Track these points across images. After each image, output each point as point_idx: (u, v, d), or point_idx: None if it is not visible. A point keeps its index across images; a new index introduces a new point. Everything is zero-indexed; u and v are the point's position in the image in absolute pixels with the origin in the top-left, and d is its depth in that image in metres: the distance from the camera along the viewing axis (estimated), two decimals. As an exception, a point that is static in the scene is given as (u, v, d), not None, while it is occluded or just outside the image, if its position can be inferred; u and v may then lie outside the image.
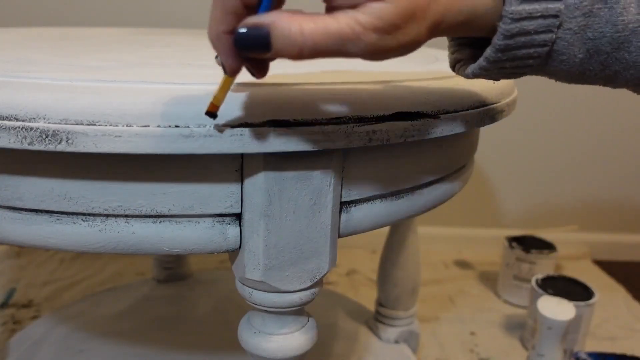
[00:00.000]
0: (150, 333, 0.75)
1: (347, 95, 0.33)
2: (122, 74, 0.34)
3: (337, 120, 0.32)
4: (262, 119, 0.30)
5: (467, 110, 0.39)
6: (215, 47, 0.27)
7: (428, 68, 0.45)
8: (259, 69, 0.30)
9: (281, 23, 0.25)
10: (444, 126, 0.37)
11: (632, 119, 1.20)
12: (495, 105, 0.42)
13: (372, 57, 0.27)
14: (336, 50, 0.25)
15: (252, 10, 0.26)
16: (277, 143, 0.31)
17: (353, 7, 0.25)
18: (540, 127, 1.20)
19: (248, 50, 0.26)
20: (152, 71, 0.36)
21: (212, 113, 0.28)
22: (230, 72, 0.28)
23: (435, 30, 0.28)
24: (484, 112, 0.40)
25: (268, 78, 0.33)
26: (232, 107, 0.30)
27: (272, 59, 0.27)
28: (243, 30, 0.25)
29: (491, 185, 1.24)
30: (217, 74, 0.34)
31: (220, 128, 0.29)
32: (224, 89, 0.28)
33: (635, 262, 1.27)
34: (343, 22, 0.25)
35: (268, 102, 0.31)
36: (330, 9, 0.27)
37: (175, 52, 0.48)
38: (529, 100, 1.15)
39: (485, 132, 1.09)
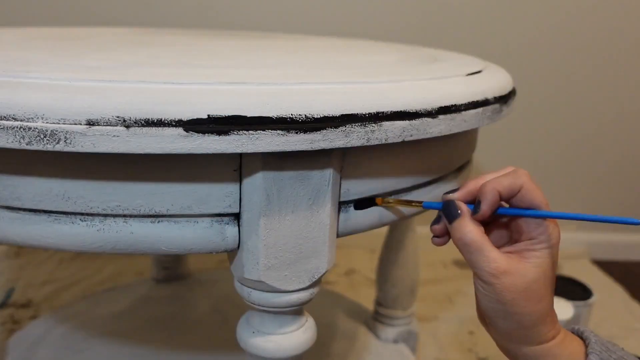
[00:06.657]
0: (149, 333, 0.75)
1: (346, 94, 0.33)
2: (121, 74, 0.34)
3: (336, 120, 0.32)
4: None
5: (466, 110, 0.39)
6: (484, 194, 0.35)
7: (427, 68, 0.45)
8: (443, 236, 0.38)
9: (464, 218, 0.34)
10: (443, 126, 0.37)
11: (631, 118, 1.20)
12: (494, 105, 0.42)
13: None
14: (467, 258, 0.35)
15: (506, 202, 0.35)
16: (276, 143, 0.30)
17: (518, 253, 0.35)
18: (539, 127, 1.20)
19: (444, 211, 0.36)
20: (151, 71, 0.35)
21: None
22: (481, 217, 0.35)
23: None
24: (482, 112, 0.40)
25: (266, 78, 0.33)
26: (230, 107, 0.30)
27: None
28: (451, 201, 0.36)
29: (490, 185, 1.24)
30: (217, 74, 0.34)
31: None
32: (404, 204, 0.40)
33: (633, 261, 1.27)
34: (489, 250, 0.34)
35: (267, 102, 0.30)
36: (513, 241, 0.36)
37: (175, 52, 0.47)
38: (529, 100, 1.15)
39: (485, 132, 1.09)
